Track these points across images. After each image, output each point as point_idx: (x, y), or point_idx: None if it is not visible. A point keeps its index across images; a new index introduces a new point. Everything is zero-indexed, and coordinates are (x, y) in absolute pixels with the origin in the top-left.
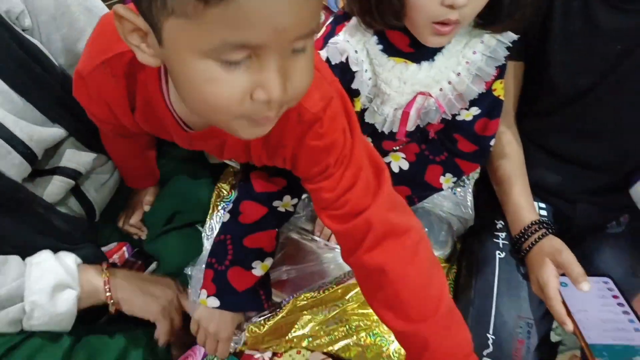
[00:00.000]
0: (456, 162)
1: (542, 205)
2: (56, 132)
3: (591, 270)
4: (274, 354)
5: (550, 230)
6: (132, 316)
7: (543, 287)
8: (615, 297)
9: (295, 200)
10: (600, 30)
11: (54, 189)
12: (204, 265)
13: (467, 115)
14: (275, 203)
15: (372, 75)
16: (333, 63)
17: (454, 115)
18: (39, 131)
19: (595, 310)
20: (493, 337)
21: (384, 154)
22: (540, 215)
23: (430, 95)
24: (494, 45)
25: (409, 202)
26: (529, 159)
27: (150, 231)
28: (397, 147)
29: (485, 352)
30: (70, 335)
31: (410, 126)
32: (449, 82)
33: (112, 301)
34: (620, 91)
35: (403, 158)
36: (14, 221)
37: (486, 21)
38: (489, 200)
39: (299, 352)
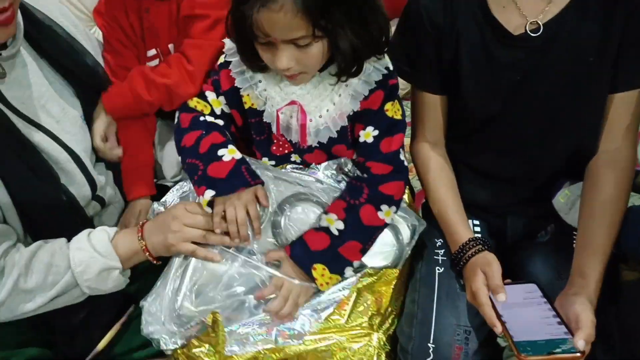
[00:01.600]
0: (381, 191)
1: (476, 222)
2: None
3: (523, 276)
4: None
5: (485, 247)
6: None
7: (475, 295)
8: (541, 299)
9: None
10: (500, 64)
11: (90, 211)
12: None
13: (367, 135)
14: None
15: (262, 78)
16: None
17: (356, 139)
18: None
19: (522, 312)
20: (433, 345)
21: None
22: (475, 232)
23: (302, 109)
24: (369, 71)
25: (362, 254)
26: (460, 178)
27: None
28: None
29: None
30: None
31: (309, 139)
32: (334, 104)
33: (152, 259)
34: (523, 113)
35: (336, 220)
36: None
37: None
38: (430, 220)
39: None
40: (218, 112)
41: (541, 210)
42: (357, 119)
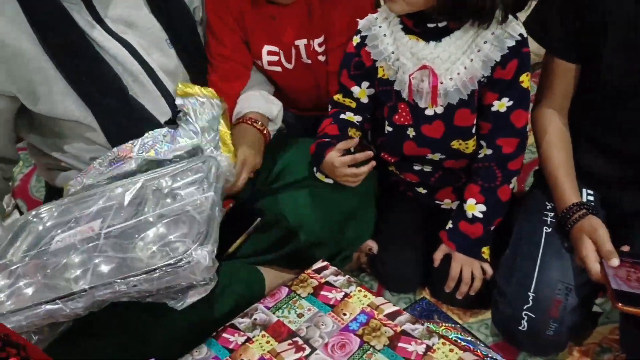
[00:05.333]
0: (509, 168)
1: (590, 192)
2: None
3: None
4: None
5: (590, 211)
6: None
7: (583, 260)
8: None
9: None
10: None
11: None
12: None
13: (501, 105)
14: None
15: (394, 49)
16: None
17: (489, 105)
18: None
19: (626, 271)
20: (533, 294)
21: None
22: (588, 201)
23: (433, 72)
24: (501, 37)
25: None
26: (578, 149)
27: (258, 189)
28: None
29: (525, 307)
30: None
31: (439, 100)
32: (465, 67)
33: None
34: None
35: (476, 204)
36: None
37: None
38: (543, 186)
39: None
40: (365, 101)
41: None
42: (489, 87)
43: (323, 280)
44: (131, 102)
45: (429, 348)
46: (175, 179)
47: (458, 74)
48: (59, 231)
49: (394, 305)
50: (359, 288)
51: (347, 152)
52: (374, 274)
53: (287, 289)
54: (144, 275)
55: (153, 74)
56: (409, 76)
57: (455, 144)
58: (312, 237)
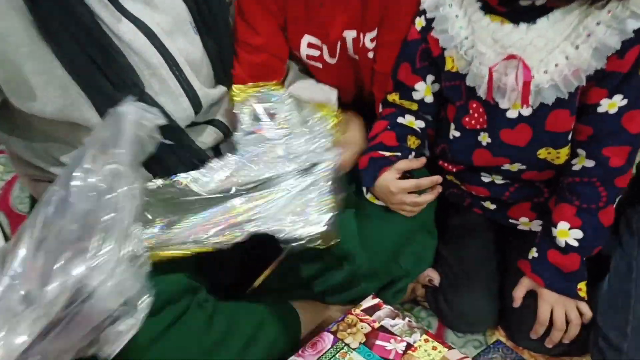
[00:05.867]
0: (616, 185)
1: None
2: (220, 90)
3: None
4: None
5: None
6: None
7: None
8: None
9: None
10: None
11: (206, 138)
12: None
13: (611, 105)
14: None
15: (469, 34)
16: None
17: (594, 105)
18: (208, 91)
19: None
20: None
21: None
22: None
23: (524, 63)
24: (624, 17)
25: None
26: None
27: None
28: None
29: None
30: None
31: (524, 99)
32: (566, 57)
33: None
34: None
35: (570, 229)
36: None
37: None
38: None
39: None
40: (429, 100)
41: None
42: (597, 81)
43: (377, 325)
44: (147, 102)
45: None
46: None
47: (556, 65)
48: None
49: (463, 354)
50: (424, 336)
51: (407, 172)
52: (433, 309)
53: (331, 337)
54: None
55: (175, 66)
56: (490, 69)
57: (542, 153)
58: (358, 267)
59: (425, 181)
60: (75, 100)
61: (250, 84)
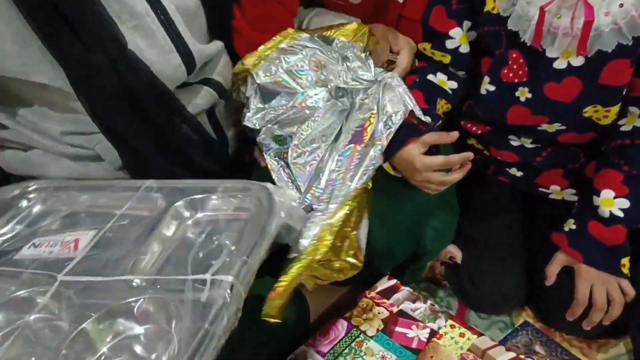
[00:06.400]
0: None
1: None
2: (216, 45)
3: None
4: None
5: None
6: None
7: None
8: None
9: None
10: None
11: (200, 100)
12: None
13: None
14: None
15: None
16: None
17: None
18: (202, 47)
19: None
20: None
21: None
22: None
23: (585, 1)
24: None
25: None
26: None
27: None
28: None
29: None
30: None
31: (581, 46)
32: None
33: None
34: None
35: (614, 198)
36: (158, 150)
37: None
38: None
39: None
40: (464, 50)
41: None
42: None
43: (395, 309)
44: (130, 59)
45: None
46: None
47: (621, 5)
48: None
49: (493, 340)
50: (450, 322)
51: (433, 146)
52: (453, 289)
53: (345, 324)
54: None
55: (164, 15)
56: (542, 8)
57: (589, 111)
58: (373, 245)
59: (455, 158)
60: (37, 59)
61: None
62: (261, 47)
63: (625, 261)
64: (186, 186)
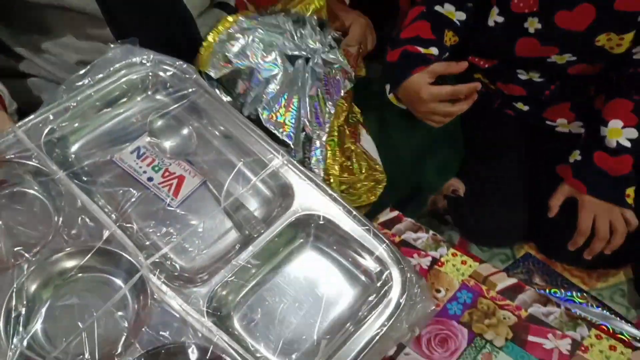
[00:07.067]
0: None
1: None
2: None
3: None
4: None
5: None
6: None
7: None
8: None
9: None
10: None
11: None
12: None
13: None
14: None
15: None
16: None
17: None
18: None
19: None
20: None
21: None
22: None
23: None
24: None
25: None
26: None
27: None
28: None
29: None
30: None
31: None
32: None
33: None
34: None
35: (623, 127)
36: None
37: None
38: None
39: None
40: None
41: None
42: None
43: (397, 239)
44: None
45: (576, 343)
46: None
47: None
48: None
49: (503, 271)
50: (452, 250)
51: (439, 78)
52: (455, 223)
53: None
54: None
55: None
56: None
57: (602, 40)
58: None
59: (463, 88)
60: None
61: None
62: (205, 43)
63: (630, 191)
64: None
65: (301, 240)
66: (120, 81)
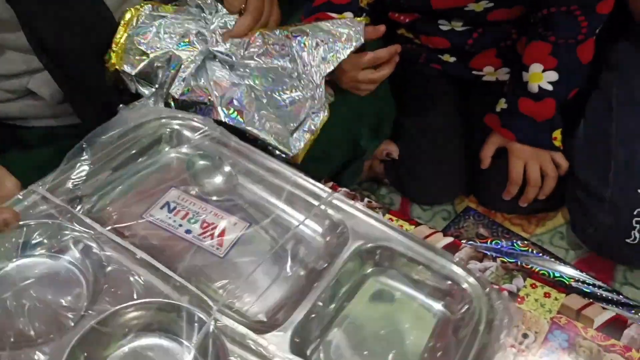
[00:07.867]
0: (599, 13)
1: None
2: None
3: None
4: None
5: None
6: None
7: None
8: None
9: None
10: None
11: None
12: None
13: None
14: None
15: None
16: None
17: None
18: None
19: None
20: None
21: None
22: None
23: None
24: None
25: None
26: None
27: None
28: None
29: (636, 212)
30: None
31: None
32: None
33: None
34: None
35: (543, 71)
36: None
37: None
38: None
39: None
40: None
41: None
42: None
43: None
44: None
45: (513, 295)
46: None
47: None
48: None
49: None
50: (388, 215)
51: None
52: (394, 185)
53: None
54: None
55: None
56: None
57: None
58: (310, 152)
59: (383, 52)
60: None
61: None
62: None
63: (557, 134)
64: None
65: (369, 270)
66: (139, 138)
